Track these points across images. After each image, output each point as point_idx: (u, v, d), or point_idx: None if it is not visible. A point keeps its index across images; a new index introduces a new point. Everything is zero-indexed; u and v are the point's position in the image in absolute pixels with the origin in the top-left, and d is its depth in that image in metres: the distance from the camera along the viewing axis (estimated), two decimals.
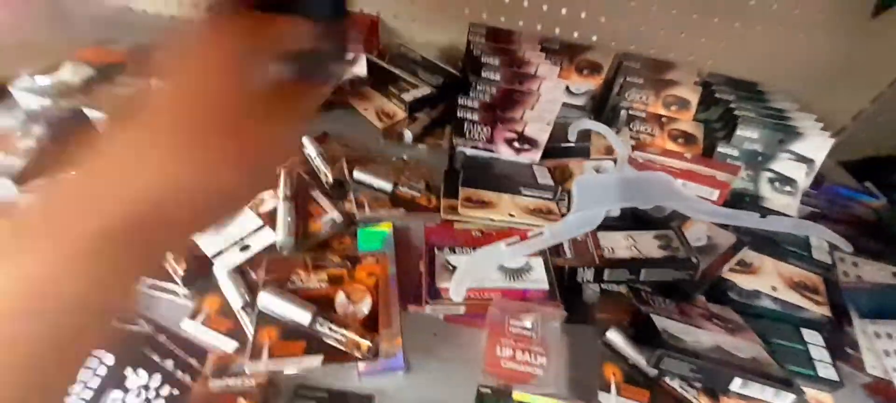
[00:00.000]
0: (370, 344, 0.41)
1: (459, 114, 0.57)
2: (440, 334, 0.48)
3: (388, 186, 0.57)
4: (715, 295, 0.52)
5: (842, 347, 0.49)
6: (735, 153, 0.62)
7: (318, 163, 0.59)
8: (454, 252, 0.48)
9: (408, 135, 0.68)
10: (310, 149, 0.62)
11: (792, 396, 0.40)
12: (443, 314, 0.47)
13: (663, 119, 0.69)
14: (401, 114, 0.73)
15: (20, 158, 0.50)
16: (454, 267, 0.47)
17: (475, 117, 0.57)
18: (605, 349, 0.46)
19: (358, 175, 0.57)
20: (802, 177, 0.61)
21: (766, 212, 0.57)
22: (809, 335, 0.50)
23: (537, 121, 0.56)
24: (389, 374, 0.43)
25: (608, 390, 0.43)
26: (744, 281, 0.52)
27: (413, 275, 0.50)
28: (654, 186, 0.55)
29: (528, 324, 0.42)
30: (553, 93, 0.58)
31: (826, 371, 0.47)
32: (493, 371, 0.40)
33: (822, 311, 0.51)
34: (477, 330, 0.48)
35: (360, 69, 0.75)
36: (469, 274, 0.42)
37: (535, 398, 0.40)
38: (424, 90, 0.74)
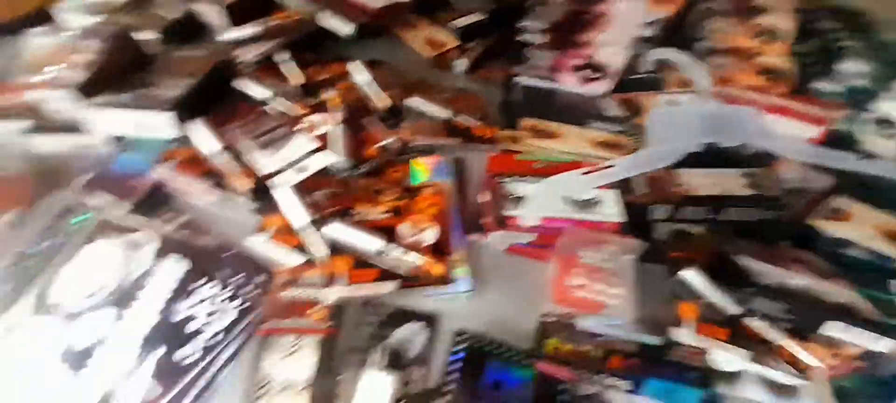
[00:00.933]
0: (442, 270, 0.40)
1: (520, 38, 0.52)
2: (501, 264, 0.47)
3: (443, 114, 0.55)
4: (800, 242, 0.47)
5: None
6: (836, 89, 0.55)
7: (370, 89, 0.57)
8: (520, 181, 0.45)
9: (459, 65, 0.64)
10: (361, 74, 0.59)
11: (891, 342, 0.36)
12: (505, 244, 0.46)
13: (750, 51, 0.62)
14: (450, 42, 0.68)
15: (81, 71, 0.50)
16: (519, 197, 0.45)
17: (539, 41, 0.52)
18: (679, 287, 0.44)
19: (413, 102, 0.55)
20: None
21: (865, 156, 0.52)
22: None
23: (612, 45, 0.50)
24: (455, 298, 0.42)
25: (683, 326, 0.41)
26: (833, 228, 0.48)
27: (472, 205, 0.48)
28: (739, 122, 0.50)
29: (601, 255, 0.40)
30: (630, 15, 0.52)
31: None
32: (563, 299, 0.38)
33: None
34: (538, 263, 0.46)
35: None
36: (542, 200, 0.40)
37: None
38: (477, 17, 0.68)
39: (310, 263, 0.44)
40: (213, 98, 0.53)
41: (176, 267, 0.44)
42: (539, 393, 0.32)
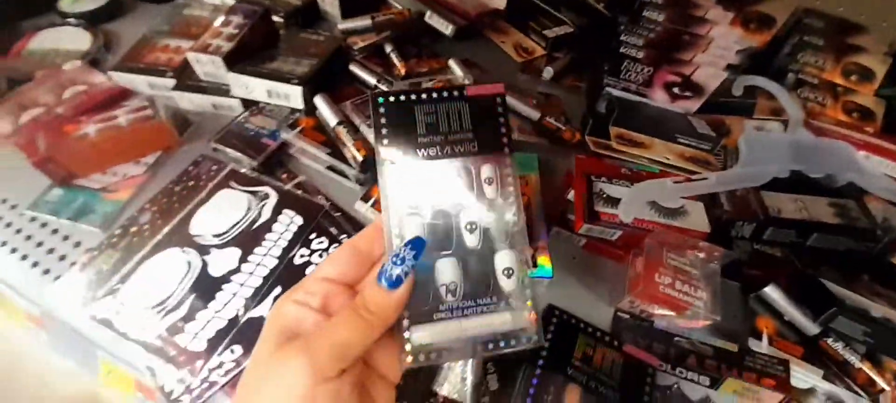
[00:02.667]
0: (532, 253, 0.44)
1: (622, 50, 0.55)
2: (578, 259, 0.50)
3: (534, 115, 0.59)
4: (880, 277, 0.48)
5: None
6: None
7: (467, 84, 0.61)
8: (611, 182, 0.49)
9: (548, 72, 0.68)
10: (457, 70, 0.64)
11: None
12: (584, 240, 0.49)
13: (838, 88, 0.62)
14: (539, 50, 0.73)
15: (226, 41, 0.57)
16: (609, 197, 0.48)
17: (639, 55, 0.55)
18: (757, 303, 0.46)
19: (508, 101, 0.59)
20: None
21: None
22: None
23: (710, 66, 0.53)
24: (538, 282, 0.46)
25: (760, 339, 0.43)
26: None
27: (556, 201, 0.52)
28: (832, 154, 0.51)
29: (688, 259, 0.42)
30: (726, 40, 0.55)
31: None
32: (649, 296, 0.41)
33: None
34: (611, 262, 0.49)
35: (499, 1, 0.75)
36: (637, 199, 0.43)
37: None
38: (567, 28, 0.72)
39: None
40: (332, 77, 0.59)
41: (292, 221, 0.50)
42: (626, 374, 0.35)
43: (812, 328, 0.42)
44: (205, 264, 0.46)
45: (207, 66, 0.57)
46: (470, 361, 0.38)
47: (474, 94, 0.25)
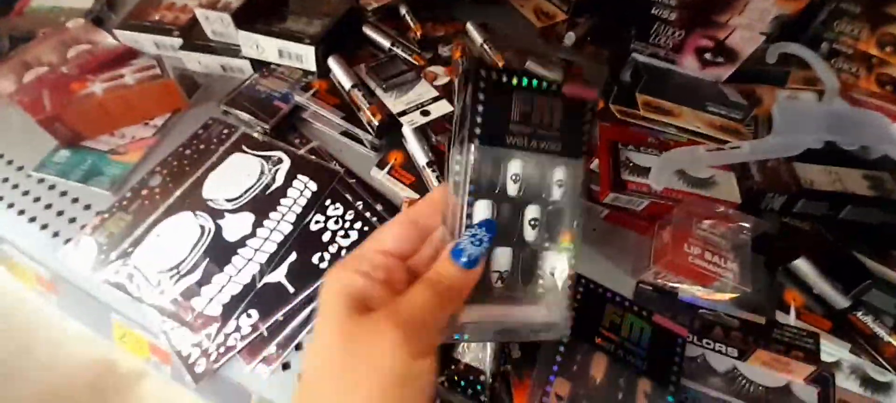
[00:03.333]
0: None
1: (653, 11, 0.52)
2: (600, 229, 0.49)
3: (557, 80, 0.56)
4: None
5: None
6: None
7: (487, 48, 0.59)
8: (639, 150, 0.47)
9: (569, 38, 0.65)
10: (475, 34, 0.61)
11: None
12: (605, 211, 0.48)
13: (873, 59, 0.59)
14: (560, 15, 0.69)
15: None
16: (635, 165, 0.46)
17: (671, 17, 0.52)
18: (785, 276, 0.44)
19: (530, 65, 0.57)
20: None
21: None
22: None
23: (746, 30, 0.50)
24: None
25: (787, 312, 0.42)
26: None
27: None
28: (867, 126, 0.48)
29: (719, 230, 0.41)
30: (762, 3, 0.51)
31: None
32: (677, 267, 0.40)
33: None
34: (632, 233, 0.48)
35: None
36: (668, 167, 0.41)
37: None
38: None
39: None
40: (345, 39, 0.57)
41: (306, 186, 0.49)
42: (655, 343, 0.34)
43: (842, 301, 0.41)
44: (218, 228, 0.45)
45: (216, 24, 0.54)
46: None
47: (569, 94, 0.26)
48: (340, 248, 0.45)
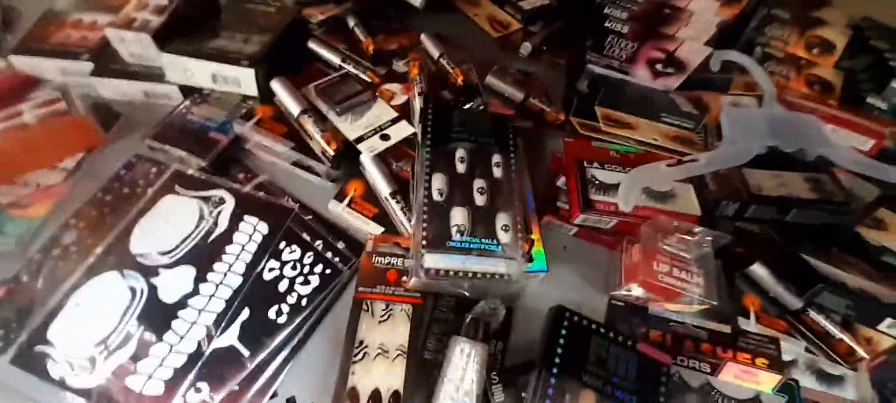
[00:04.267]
0: (528, 248, 0.41)
1: (607, 24, 0.53)
2: (570, 247, 0.49)
3: (518, 96, 0.55)
4: (848, 247, 0.51)
5: None
6: (883, 106, 0.58)
7: (444, 62, 0.56)
8: (603, 167, 0.47)
9: (525, 48, 0.64)
10: (432, 47, 0.58)
11: None
12: (574, 230, 0.47)
13: (802, 61, 0.64)
14: (515, 24, 0.68)
15: (155, 15, 0.48)
16: (600, 183, 0.46)
17: (624, 30, 0.52)
18: (743, 281, 0.46)
19: (491, 81, 0.55)
20: None
21: None
22: None
23: (693, 42, 0.51)
24: (531, 276, 0.44)
25: (748, 317, 0.44)
26: (872, 236, 0.51)
27: (548, 188, 0.49)
28: (802, 128, 0.52)
29: (683, 245, 0.42)
30: (706, 14, 0.53)
31: None
32: (648, 285, 0.40)
33: None
34: (601, 248, 0.48)
35: None
36: (634, 186, 0.41)
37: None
38: (543, 0, 0.68)
39: (393, 232, 0.44)
40: (289, 57, 0.52)
41: (255, 229, 0.44)
42: (641, 374, 0.34)
43: (796, 302, 0.43)
44: (153, 289, 0.39)
45: (133, 46, 0.47)
46: (472, 374, 0.35)
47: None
48: (301, 298, 0.41)
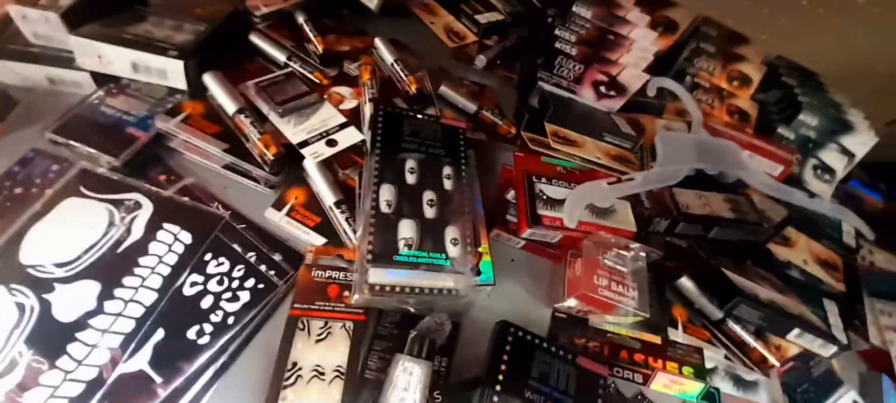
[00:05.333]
0: (476, 261, 0.41)
1: (556, 45, 0.54)
2: (517, 259, 0.49)
3: (472, 108, 0.55)
4: (759, 262, 0.56)
5: (851, 318, 0.57)
6: (791, 136, 0.66)
7: (397, 69, 0.55)
8: (550, 182, 0.48)
9: (480, 61, 0.65)
10: (386, 52, 0.57)
11: (835, 348, 0.45)
12: (522, 243, 0.48)
13: (724, 92, 0.70)
14: (471, 36, 0.69)
15: None
16: (548, 198, 0.47)
17: (572, 52, 0.54)
18: (672, 293, 0.49)
19: (444, 91, 0.54)
20: (841, 168, 0.65)
21: (810, 194, 0.62)
22: (828, 304, 0.57)
23: (634, 68, 0.55)
24: (479, 289, 0.43)
25: (676, 327, 0.47)
26: (780, 252, 0.57)
27: (497, 200, 0.49)
28: (725, 153, 0.57)
29: (620, 259, 0.44)
30: (645, 42, 0.57)
31: (840, 335, 0.54)
32: (588, 299, 0.41)
33: (840, 287, 0.57)
34: (546, 261, 0.49)
35: None
36: (579, 203, 0.42)
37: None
38: (498, 15, 0.70)
39: (336, 244, 0.42)
40: (227, 49, 0.48)
41: (175, 239, 0.39)
42: (580, 387, 0.35)
43: (717, 313, 0.47)
44: (46, 306, 0.33)
45: (39, 26, 0.41)
46: (414, 393, 0.34)
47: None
48: (227, 315, 0.37)
